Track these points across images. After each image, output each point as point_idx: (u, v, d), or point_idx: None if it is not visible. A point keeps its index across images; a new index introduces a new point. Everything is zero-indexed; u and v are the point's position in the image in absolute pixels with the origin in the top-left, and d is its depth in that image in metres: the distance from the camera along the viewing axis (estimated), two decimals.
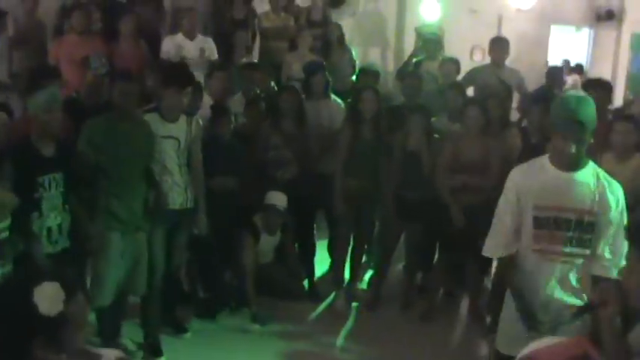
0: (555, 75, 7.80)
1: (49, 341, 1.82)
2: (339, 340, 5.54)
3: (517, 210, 3.48)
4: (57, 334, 1.84)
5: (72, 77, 6.03)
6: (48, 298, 1.81)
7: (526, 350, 1.58)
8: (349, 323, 5.83)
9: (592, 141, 3.44)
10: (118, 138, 4.72)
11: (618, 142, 5.14)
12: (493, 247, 3.64)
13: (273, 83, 6.97)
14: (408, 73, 7.04)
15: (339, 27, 7.92)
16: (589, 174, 3.43)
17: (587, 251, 3.43)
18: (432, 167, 5.70)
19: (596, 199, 3.39)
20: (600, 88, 5.57)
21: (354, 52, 7.93)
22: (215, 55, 7.20)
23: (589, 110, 3.29)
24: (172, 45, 7.06)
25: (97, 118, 4.78)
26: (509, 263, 3.58)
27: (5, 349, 1.81)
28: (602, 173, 3.48)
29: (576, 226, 3.41)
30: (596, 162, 3.60)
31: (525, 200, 3.45)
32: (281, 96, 6.16)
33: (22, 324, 1.81)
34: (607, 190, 3.41)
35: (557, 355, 1.50)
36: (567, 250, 3.44)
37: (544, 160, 3.48)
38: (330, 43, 7.80)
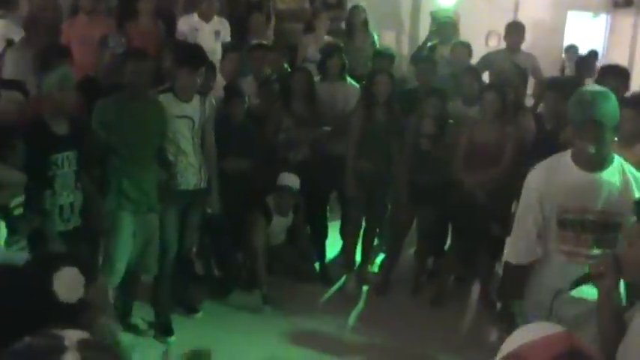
0: (586, 64, 7.63)
1: (70, 328, 1.81)
2: (349, 323, 5.56)
3: (540, 214, 3.32)
4: (76, 320, 1.81)
5: (82, 58, 6.01)
6: (68, 284, 1.79)
7: (510, 346, 1.54)
8: (359, 306, 5.84)
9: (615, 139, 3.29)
10: (130, 117, 4.72)
11: (624, 129, 5.09)
12: (515, 253, 3.48)
13: (286, 65, 6.94)
14: (422, 57, 6.99)
15: (364, 10, 7.86)
16: (615, 171, 3.26)
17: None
18: (447, 152, 5.68)
19: (622, 197, 3.22)
20: (617, 76, 5.51)
21: (375, 37, 7.87)
22: (228, 38, 7.17)
23: (608, 107, 3.12)
24: (188, 26, 7.03)
25: (109, 97, 4.78)
26: (528, 270, 3.42)
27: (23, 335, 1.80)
28: (627, 167, 3.32)
29: (602, 228, 3.27)
30: None
31: (550, 202, 3.29)
32: (293, 77, 6.15)
33: (41, 311, 1.79)
34: (632, 184, 3.25)
35: (543, 351, 1.46)
36: (594, 252, 3.29)
37: (567, 159, 3.30)
38: (354, 26, 7.74)
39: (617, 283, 2.65)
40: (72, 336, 1.35)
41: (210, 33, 7.07)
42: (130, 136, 4.72)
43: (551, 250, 3.35)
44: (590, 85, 3.59)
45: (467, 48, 7.01)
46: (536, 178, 3.36)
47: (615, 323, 2.50)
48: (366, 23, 7.77)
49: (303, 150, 5.97)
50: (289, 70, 6.79)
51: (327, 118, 6.09)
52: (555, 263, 3.35)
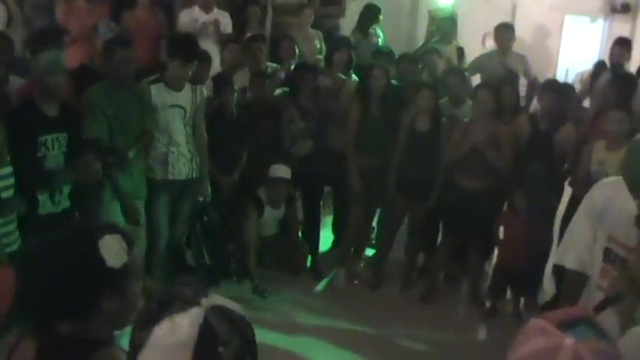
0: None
1: (115, 293, 1.83)
2: (339, 317, 5.55)
3: (592, 229, 3.05)
4: (122, 286, 1.84)
5: (82, 44, 6.01)
6: (113, 250, 1.81)
7: (515, 353, 1.55)
8: (349, 301, 5.84)
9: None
10: (115, 105, 4.73)
11: (611, 130, 5.14)
12: (566, 256, 3.18)
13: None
14: (405, 56, 6.95)
15: (379, 9, 7.91)
16: None
17: None
18: (440, 148, 5.69)
19: None
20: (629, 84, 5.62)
21: (382, 35, 7.90)
22: (229, 30, 7.18)
23: None
24: (189, 18, 7.03)
25: (95, 85, 4.76)
26: (582, 278, 3.12)
27: (74, 303, 1.82)
28: None
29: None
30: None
31: (603, 225, 3.00)
32: (296, 74, 6.13)
33: (91, 278, 1.81)
34: None
35: (560, 314, 1.53)
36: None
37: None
38: (366, 23, 7.78)
39: (637, 303, 2.53)
40: (213, 300, 1.50)
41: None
42: (114, 123, 4.72)
43: (592, 285, 3.09)
44: None
45: (458, 50, 7.05)
46: (602, 193, 3.08)
47: None
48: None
49: (308, 143, 5.97)
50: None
51: (331, 112, 6.07)
52: (593, 300, 2.99)
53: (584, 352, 1.42)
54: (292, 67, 6.40)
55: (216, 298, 1.51)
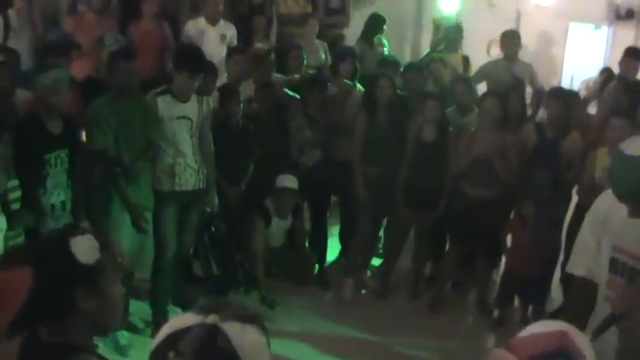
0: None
1: (90, 291, 1.83)
2: (346, 327, 5.55)
3: (595, 236, 3.02)
4: (97, 284, 1.84)
5: (88, 56, 6.03)
6: (85, 247, 1.82)
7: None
8: (357, 311, 5.83)
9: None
10: (119, 117, 4.73)
11: (613, 137, 5.12)
12: (575, 264, 3.15)
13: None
14: (409, 65, 6.97)
15: (384, 19, 7.93)
16: None
17: None
18: (447, 158, 5.69)
19: None
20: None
21: (387, 44, 7.92)
22: (235, 42, 7.20)
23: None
24: (194, 29, 7.05)
25: (99, 98, 4.77)
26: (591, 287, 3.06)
27: (48, 302, 1.81)
28: None
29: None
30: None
31: (608, 233, 2.96)
32: (306, 86, 6.12)
33: (64, 275, 1.81)
34: None
35: (531, 347, 1.40)
36: None
37: None
38: (371, 33, 7.80)
39: None
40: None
41: (215, 36, 7.10)
42: (119, 135, 4.73)
43: (600, 296, 3.01)
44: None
45: (463, 59, 7.04)
46: (605, 202, 3.03)
47: None
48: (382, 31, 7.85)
49: (316, 154, 5.98)
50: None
51: (337, 121, 6.08)
52: (600, 312, 2.93)
53: None
54: (300, 77, 6.41)
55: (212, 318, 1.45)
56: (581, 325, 2.78)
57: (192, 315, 1.42)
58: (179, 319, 1.42)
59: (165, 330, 1.42)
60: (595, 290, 3.03)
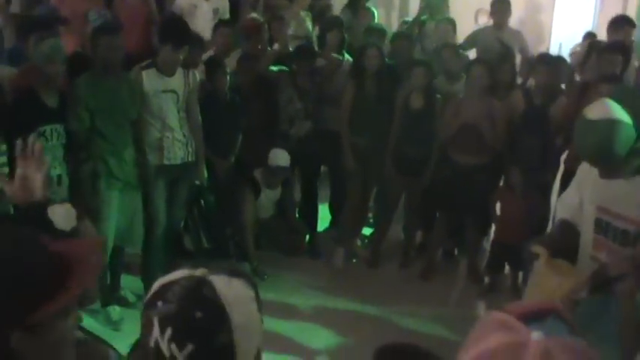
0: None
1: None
2: (338, 296, 5.57)
3: (579, 195, 3.18)
4: None
5: (75, 32, 5.97)
6: (61, 214, 1.86)
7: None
8: (348, 280, 5.86)
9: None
10: (103, 94, 4.70)
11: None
12: (559, 212, 3.40)
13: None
14: (399, 34, 6.94)
15: None
16: None
17: None
18: (435, 125, 5.69)
19: None
20: (622, 52, 5.58)
21: (375, 14, 7.86)
22: (227, 15, 7.14)
23: (623, 142, 2.86)
24: (187, 3, 6.97)
25: (82, 74, 4.73)
26: (570, 232, 3.21)
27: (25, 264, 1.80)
28: None
29: (635, 241, 2.91)
30: None
31: (588, 196, 3.08)
32: (294, 56, 6.08)
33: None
34: None
35: (527, 305, 1.38)
36: None
37: None
38: (358, 2, 7.75)
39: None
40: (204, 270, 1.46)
41: (208, 10, 7.02)
42: (107, 113, 4.71)
43: (585, 255, 3.12)
44: (602, 113, 2.94)
45: (451, 24, 7.00)
46: (585, 164, 3.16)
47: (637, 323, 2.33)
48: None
49: (306, 125, 5.96)
50: None
51: (327, 92, 6.06)
52: (586, 270, 3.03)
53: (555, 349, 1.15)
54: (290, 48, 6.37)
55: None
56: (560, 251, 3.11)
57: (183, 270, 1.45)
58: (170, 274, 1.45)
59: (156, 284, 1.45)
60: (576, 233, 3.20)
